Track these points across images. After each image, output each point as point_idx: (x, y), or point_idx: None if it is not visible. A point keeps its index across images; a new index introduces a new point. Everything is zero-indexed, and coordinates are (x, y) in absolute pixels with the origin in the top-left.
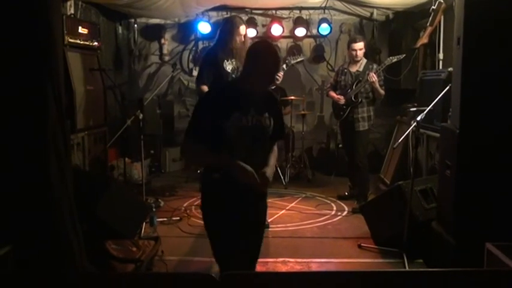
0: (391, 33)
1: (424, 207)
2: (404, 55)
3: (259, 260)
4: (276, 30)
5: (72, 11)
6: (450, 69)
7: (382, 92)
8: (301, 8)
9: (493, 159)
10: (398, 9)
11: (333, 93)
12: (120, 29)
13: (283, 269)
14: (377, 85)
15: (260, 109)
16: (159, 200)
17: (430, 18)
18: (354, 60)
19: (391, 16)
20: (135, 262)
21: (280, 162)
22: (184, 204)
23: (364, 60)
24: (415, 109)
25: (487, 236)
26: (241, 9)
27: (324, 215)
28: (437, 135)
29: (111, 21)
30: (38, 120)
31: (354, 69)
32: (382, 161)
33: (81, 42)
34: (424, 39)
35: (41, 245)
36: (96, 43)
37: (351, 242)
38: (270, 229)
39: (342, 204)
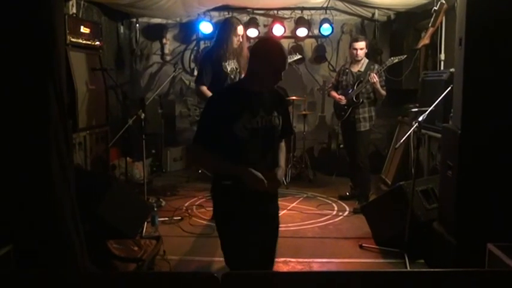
0: (393, 34)
1: (426, 207)
2: (405, 56)
3: None
4: (278, 30)
5: (74, 11)
6: (452, 69)
7: (383, 92)
8: (302, 8)
9: (495, 160)
10: (400, 9)
11: (334, 94)
12: (121, 29)
13: (285, 268)
14: (378, 86)
15: (269, 109)
16: (161, 200)
17: (432, 19)
18: (355, 60)
19: (392, 16)
20: (137, 261)
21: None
22: (186, 204)
23: (366, 61)
24: (416, 110)
25: (488, 236)
26: (243, 9)
27: (325, 215)
28: (439, 135)
29: (112, 20)
30: (39, 119)
31: (355, 69)
32: (384, 161)
33: (83, 42)
34: (425, 40)
35: (43, 245)
36: (98, 42)
37: (352, 242)
38: None
39: (343, 205)
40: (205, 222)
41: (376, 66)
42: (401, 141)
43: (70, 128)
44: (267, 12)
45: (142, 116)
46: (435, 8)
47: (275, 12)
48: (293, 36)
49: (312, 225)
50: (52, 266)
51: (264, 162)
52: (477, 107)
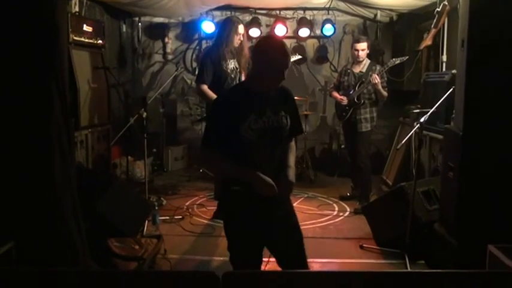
0: (395, 35)
1: (427, 208)
2: (407, 57)
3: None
4: (280, 30)
5: (76, 9)
6: (454, 71)
7: (385, 93)
8: (305, 9)
9: (496, 162)
10: (402, 10)
11: (335, 94)
12: (124, 28)
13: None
14: (380, 87)
15: (276, 108)
16: (162, 199)
17: (434, 20)
18: (356, 61)
19: (394, 18)
20: (138, 260)
21: None
22: (187, 203)
23: (368, 61)
24: (418, 111)
25: (489, 237)
26: (246, 9)
27: (326, 215)
28: (441, 137)
29: (115, 19)
30: (42, 118)
31: (357, 70)
32: (385, 162)
33: (86, 40)
34: (427, 41)
35: (44, 243)
36: (100, 41)
37: (353, 242)
38: None
39: (344, 205)
40: (206, 221)
41: (378, 67)
42: (403, 142)
43: (72, 126)
44: (269, 12)
45: (144, 115)
46: (438, 9)
47: (277, 12)
48: (295, 36)
49: (313, 226)
50: (53, 264)
51: (271, 163)
52: (479, 108)
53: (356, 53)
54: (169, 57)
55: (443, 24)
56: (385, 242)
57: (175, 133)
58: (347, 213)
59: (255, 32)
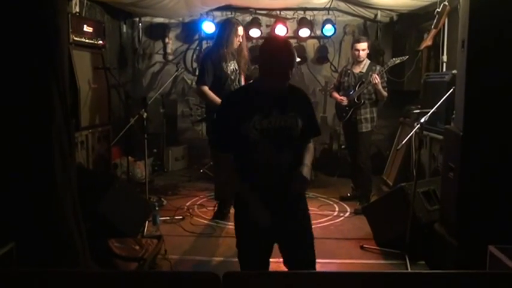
0: (395, 35)
1: (427, 209)
2: (407, 56)
3: None
4: (280, 30)
5: (77, 9)
6: (454, 71)
7: (385, 93)
8: (305, 9)
9: (497, 162)
10: (403, 11)
11: (335, 94)
12: (124, 28)
13: (285, 269)
14: (380, 87)
15: (284, 109)
16: (162, 199)
17: (435, 21)
18: (357, 61)
19: (395, 18)
20: (138, 261)
21: None
22: (187, 203)
23: (368, 62)
24: (418, 111)
25: (489, 238)
26: (246, 9)
27: (326, 215)
28: (441, 137)
29: (115, 19)
30: (43, 118)
31: (357, 70)
32: (385, 162)
33: (86, 41)
34: (428, 42)
35: (45, 244)
36: (100, 41)
37: (353, 243)
38: None
39: (345, 205)
40: (206, 221)
41: (378, 67)
42: (403, 142)
43: (73, 127)
44: (269, 12)
45: (145, 115)
46: (438, 9)
47: (277, 12)
48: (295, 36)
49: (313, 226)
50: (54, 265)
51: (278, 163)
52: (479, 109)
53: (356, 53)
54: (170, 57)
55: (444, 25)
56: (385, 242)
57: (176, 133)
58: (347, 213)
59: (255, 33)
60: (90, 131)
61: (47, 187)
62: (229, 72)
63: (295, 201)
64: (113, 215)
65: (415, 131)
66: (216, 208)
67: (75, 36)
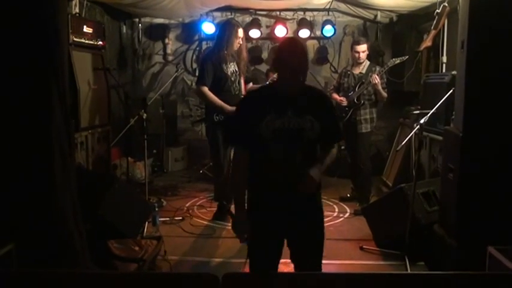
0: (395, 36)
1: (426, 210)
2: (407, 57)
3: None
4: (280, 31)
5: (77, 10)
6: (454, 72)
7: (384, 94)
8: (305, 10)
9: (496, 163)
10: (402, 11)
11: (335, 95)
12: (124, 29)
13: (285, 270)
14: (380, 87)
15: (301, 111)
16: (162, 200)
17: (434, 22)
18: (356, 63)
19: (394, 18)
20: (138, 262)
21: None
22: (187, 204)
23: (367, 63)
24: (418, 112)
25: (489, 239)
26: (246, 10)
27: (326, 216)
28: (440, 138)
29: (115, 20)
30: (42, 119)
31: (356, 71)
32: (385, 163)
33: (86, 41)
34: (427, 42)
35: (44, 244)
36: (100, 42)
37: (353, 243)
38: None
39: (344, 206)
40: (206, 222)
41: (378, 68)
42: (403, 143)
43: (72, 128)
44: (269, 13)
45: (144, 116)
46: (438, 10)
47: (277, 13)
48: (295, 37)
49: None
50: (53, 266)
51: (290, 164)
52: (479, 110)
53: (356, 54)
54: (170, 58)
55: (443, 26)
56: (385, 243)
57: (176, 134)
58: (347, 214)
59: (255, 33)
60: (89, 131)
61: (46, 187)
62: (229, 73)
63: (306, 201)
64: (112, 215)
65: (415, 131)
66: (216, 209)
67: (75, 37)
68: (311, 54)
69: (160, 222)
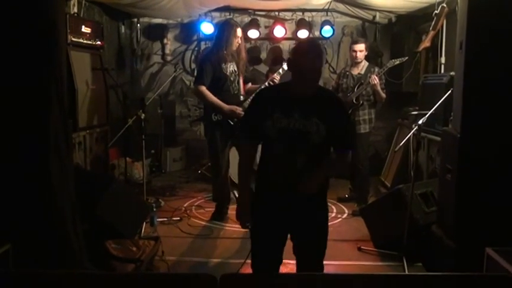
0: (394, 37)
1: (424, 210)
2: (406, 58)
3: None
4: (279, 31)
5: (75, 10)
6: (452, 73)
7: (383, 95)
8: (304, 10)
9: (494, 164)
10: (401, 12)
11: None
12: (123, 29)
13: (283, 270)
14: (378, 88)
15: (308, 113)
16: (160, 200)
17: (433, 22)
18: (355, 63)
19: (393, 19)
20: (135, 262)
21: None
22: (185, 205)
23: (366, 63)
24: (416, 112)
25: (487, 240)
26: (244, 11)
27: None
28: (439, 139)
29: (114, 20)
30: (40, 119)
31: (355, 72)
32: (383, 163)
33: (84, 41)
34: (426, 43)
35: (42, 245)
36: (99, 42)
37: (351, 244)
38: None
39: (342, 207)
40: (204, 223)
41: (377, 69)
42: (401, 144)
43: (70, 128)
44: (268, 13)
45: (143, 116)
46: (436, 11)
47: (276, 13)
48: (294, 37)
49: None
50: (50, 266)
51: (289, 165)
52: (477, 110)
53: (354, 54)
54: (168, 58)
55: (442, 27)
56: (383, 244)
57: (174, 134)
58: (345, 215)
59: (253, 34)
60: (87, 131)
61: (43, 188)
62: (228, 73)
63: (307, 201)
64: (110, 216)
65: (413, 132)
66: (214, 209)
67: (73, 37)
68: None
69: (158, 223)
